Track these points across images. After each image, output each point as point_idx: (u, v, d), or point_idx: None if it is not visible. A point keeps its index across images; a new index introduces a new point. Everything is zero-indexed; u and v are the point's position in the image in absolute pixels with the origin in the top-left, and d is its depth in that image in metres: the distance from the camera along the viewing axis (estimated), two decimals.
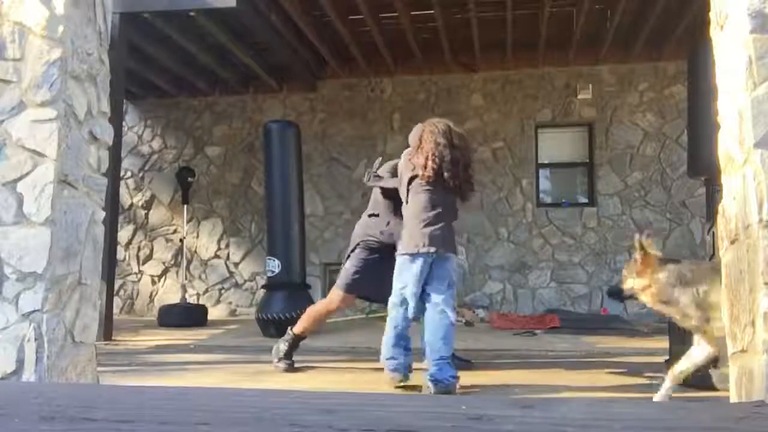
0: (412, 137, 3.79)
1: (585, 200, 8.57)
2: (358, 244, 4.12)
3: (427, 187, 3.60)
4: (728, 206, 2.23)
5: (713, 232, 3.51)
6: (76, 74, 2.75)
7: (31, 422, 1.28)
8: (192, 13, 6.29)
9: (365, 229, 4.15)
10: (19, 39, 2.68)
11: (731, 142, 2.19)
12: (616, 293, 3.24)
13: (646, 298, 3.03)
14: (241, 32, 7.15)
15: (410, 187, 3.65)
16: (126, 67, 6.62)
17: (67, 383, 2.61)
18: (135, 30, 6.55)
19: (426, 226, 3.55)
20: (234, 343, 5.87)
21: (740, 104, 2.09)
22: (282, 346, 4.26)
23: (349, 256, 4.16)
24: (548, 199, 8.71)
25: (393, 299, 3.66)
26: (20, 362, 2.53)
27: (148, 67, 8.11)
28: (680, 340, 3.67)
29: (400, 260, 3.61)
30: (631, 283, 3.08)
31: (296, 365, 4.24)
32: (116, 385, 2.19)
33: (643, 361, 4.42)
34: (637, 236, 3.08)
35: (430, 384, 3.40)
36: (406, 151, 3.86)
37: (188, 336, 6.28)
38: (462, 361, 4.01)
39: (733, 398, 2.16)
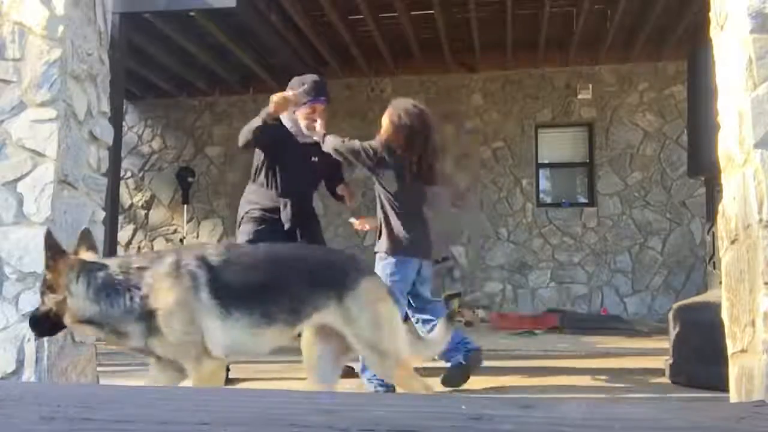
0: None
1: (585, 200, 8.57)
2: (242, 219, 3.86)
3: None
4: (728, 206, 2.23)
5: (713, 232, 3.51)
6: (76, 74, 2.75)
7: (31, 422, 1.28)
8: (192, 13, 6.30)
9: (248, 195, 3.92)
10: (19, 39, 2.68)
11: (731, 142, 2.18)
12: (34, 322, 2.18)
13: (67, 319, 2.11)
14: (241, 32, 7.15)
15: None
16: (126, 67, 6.62)
17: (67, 383, 2.60)
18: (135, 30, 6.55)
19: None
20: None
21: (740, 104, 2.09)
22: None
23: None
24: (548, 199, 8.72)
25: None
26: (20, 362, 2.53)
27: (148, 67, 8.11)
28: (681, 340, 3.68)
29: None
30: (48, 301, 2.13)
31: (298, 364, 4.22)
32: (116, 385, 2.19)
33: (643, 361, 4.42)
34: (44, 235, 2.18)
35: None
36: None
37: None
38: None
39: (733, 398, 2.16)
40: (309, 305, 2.28)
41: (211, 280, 2.14)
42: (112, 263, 2.20)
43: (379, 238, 3.65)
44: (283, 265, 2.33)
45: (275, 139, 3.81)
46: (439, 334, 2.66)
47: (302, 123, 3.89)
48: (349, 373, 3.98)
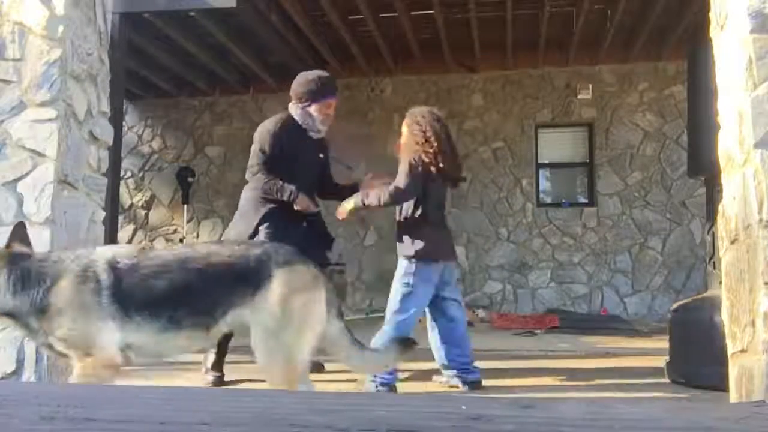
0: (412, 130, 3.63)
1: (585, 200, 8.57)
2: (261, 223, 3.70)
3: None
4: (728, 206, 2.23)
5: (713, 232, 3.51)
6: (76, 74, 2.76)
7: (31, 422, 1.28)
8: (192, 13, 6.29)
9: (264, 193, 3.77)
10: (19, 39, 2.68)
11: (731, 142, 2.19)
12: None
13: None
14: (241, 32, 7.15)
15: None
16: (126, 67, 6.61)
17: (67, 383, 2.60)
18: (135, 30, 6.55)
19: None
20: (234, 343, 5.85)
21: (740, 104, 2.09)
22: (210, 355, 3.90)
23: (253, 236, 3.67)
24: (548, 199, 8.72)
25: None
26: (20, 362, 2.53)
27: (148, 67, 8.11)
28: (681, 340, 3.68)
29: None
30: None
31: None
32: (116, 385, 2.18)
33: (643, 361, 4.42)
34: None
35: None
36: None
37: None
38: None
39: (733, 398, 2.16)
40: (223, 305, 2.23)
41: (114, 284, 2.10)
42: (35, 257, 2.16)
43: (400, 242, 3.60)
44: (193, 267, 2.24)
45: (293, 138, 3.86)
46: (386, 356, 2.62)
47: (318, 118, 3.94)
48: (319, 368, 3.99)
